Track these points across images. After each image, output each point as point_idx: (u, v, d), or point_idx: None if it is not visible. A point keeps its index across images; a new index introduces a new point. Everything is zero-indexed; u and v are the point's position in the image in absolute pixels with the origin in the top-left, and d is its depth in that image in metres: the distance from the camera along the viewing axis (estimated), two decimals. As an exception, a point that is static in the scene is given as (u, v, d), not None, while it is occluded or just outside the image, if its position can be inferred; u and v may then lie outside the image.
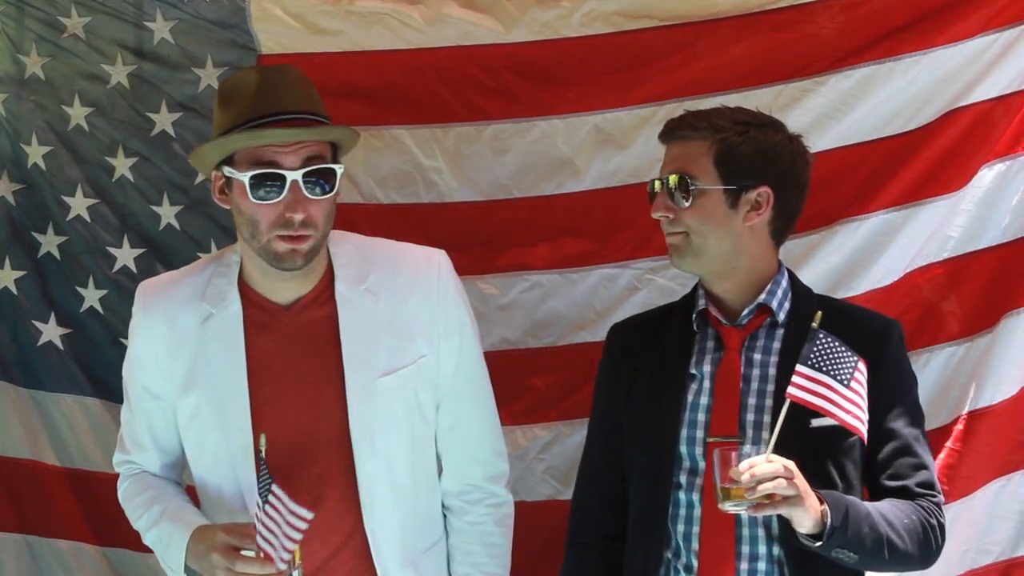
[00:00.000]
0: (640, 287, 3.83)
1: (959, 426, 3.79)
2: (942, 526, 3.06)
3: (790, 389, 2.85)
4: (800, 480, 2.80)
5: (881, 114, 3.81)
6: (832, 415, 2.86)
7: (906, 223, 3.79)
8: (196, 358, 3.06)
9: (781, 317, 3.09)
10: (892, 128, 3.81)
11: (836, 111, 3.80)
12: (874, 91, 3.79)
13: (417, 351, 3.08)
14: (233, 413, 3.01)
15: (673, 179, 3.07)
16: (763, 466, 2.77)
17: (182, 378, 3.08)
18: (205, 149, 3.00)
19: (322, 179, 2.94)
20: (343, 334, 3.02)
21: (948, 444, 3.78)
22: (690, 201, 3.04)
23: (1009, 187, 3.80)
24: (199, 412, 3.07)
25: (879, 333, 3.08)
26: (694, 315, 3.12)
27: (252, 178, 2.91)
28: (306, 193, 2.91)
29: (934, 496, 3.07)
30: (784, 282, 3.13)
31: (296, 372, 3.03)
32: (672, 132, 3.13)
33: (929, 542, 3.03)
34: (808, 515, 2.81)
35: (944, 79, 3.79)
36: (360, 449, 3.02)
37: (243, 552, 2.86)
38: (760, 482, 2.75)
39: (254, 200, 2.91)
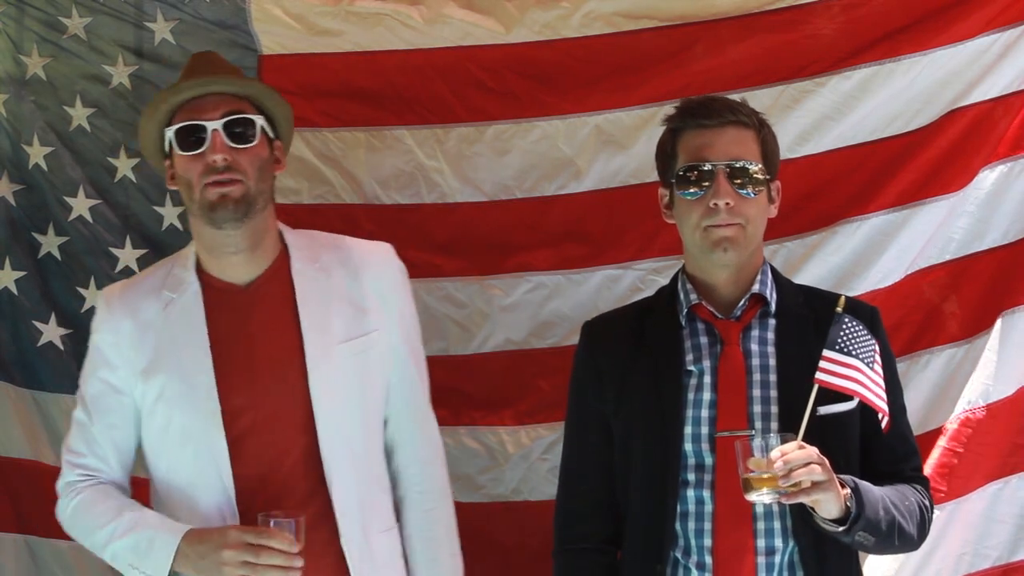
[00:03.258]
0: (643, 288, 3.81)
1: (955, 426, 3.79)
2: (932, 507, 3.09)
3: (818, 375, 2.85)
4: (827, 465, 2.79)
5: (881, 115, 3.82)
6: (862, 397, 2.88)
7: (906, 223, 3.80)
8: (160, 342, 3.16)
9: (772, 306, 3.07)
10: (893, 129, 3.82)
11: (837, 112, 3.81)
12: (874, 92, 3.80)
13: (370, 325, 3.20)
14: (199, 384, 3.11)
15: (741, 166, 3.00)
16: (796, 453, 2.75)
17: (146, 364, 3.16)
18: (141, 124, 3.22)
19: (241, 128, 3.13)
20: (300, 305, 3.16)
21: (945, 444, 3.78)
22: (756, 191, 3.01)
23: (1011, 189, 3.81)
24: (163, 393, 3.14)
25: (868, 318, 3.06)
26: (683, 311, 3.09)
27: (177, 131, 3.13)
28: (227, 141, 3.10)
29: (924, 479, 3.11)
30: (769, 271, 3.12)
31: (257, 344, 3.14)
32: (720, 115, 3.04)
33: (925, 523, 3.05)
34: (835, 500, 2.81)
35: (944, 80, 3.80)
36: (321, 412, 3.11)
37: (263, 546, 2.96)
38: (793, 469, 2.74)
39: (181, 153, 3.12)
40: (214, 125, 3.09)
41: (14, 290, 4.08)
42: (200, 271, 3.21)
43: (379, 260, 3.29)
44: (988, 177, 3.81)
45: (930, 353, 3.81)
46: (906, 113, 3.81)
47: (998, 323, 3.79)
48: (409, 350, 3.27)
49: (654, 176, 3.57)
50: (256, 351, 3.13)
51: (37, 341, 4.08)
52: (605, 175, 3.90)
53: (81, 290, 4.05)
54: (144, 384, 3.16)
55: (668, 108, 3.73)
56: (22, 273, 4.08)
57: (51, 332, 4.08)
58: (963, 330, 3.82)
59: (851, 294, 3.67)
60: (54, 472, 4.03)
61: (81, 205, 4.03)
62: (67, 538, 4.02)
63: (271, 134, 3.20)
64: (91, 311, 4.00)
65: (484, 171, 3.93)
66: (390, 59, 3.95)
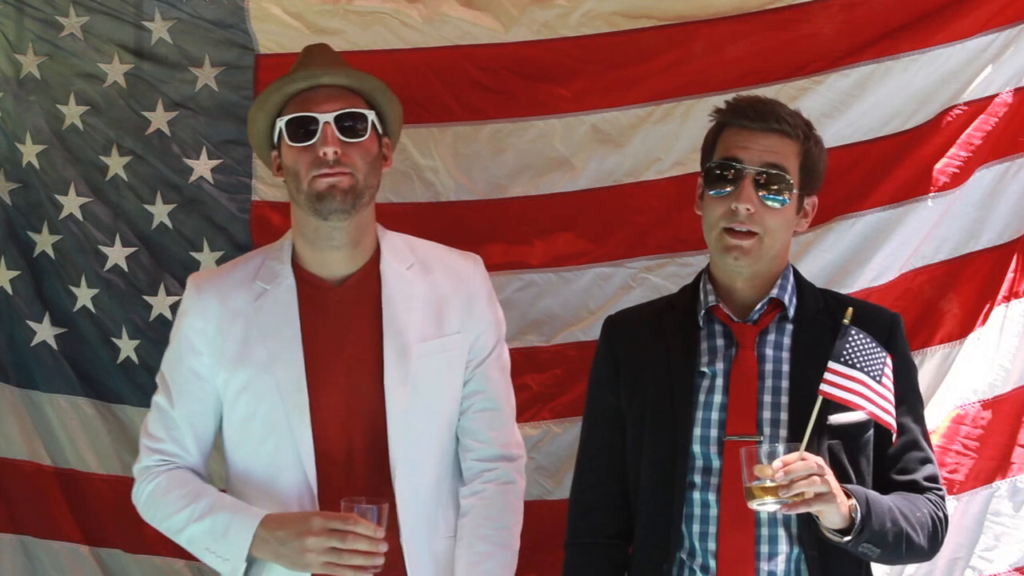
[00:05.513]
0: (634, 286, 3.81)
1: (948, 424, 3.77)
2: (947, 518, 3.06)
3: (822, 386, 2.85)
4: (831, 476, 2.79)
5: (879, 113, 3.80)
6: (865, 410, 2.87)
7: (902, 221, 3.78)
8: (250, 333, 3.18)
9: (791, 312, 3.06)
10: (890, 127, 3.80)
11: (834, 110, 3.80)
12: (872, 90, 3.78)
13: (452, 327, 3.21)
14: (289, 378, 3.13)
15: (771, 174, 2.98)
16: (797, 464, 2.75)
17: (234, 353, 3.18)
18: (251, 113, 3.23)
19: (352, 122, 3.14)
20: (385, 303, 3.17)
21: (938, 444, 3.74)
22: (783, 202, 2.99)
23: (1007, 189, 3.80)
24: (249, 385, 3.16)
25: (888, 325, 3.06)
26: (701, 312, 3.08)
27: (288, 122, 3.15)
28: (338, 134, 3.12)
29: (939, 489, 3.07)
30: (791, 276, 3.10)
31: (344, 342, 3.16)
32: (763, 119, 3.01)
33: (937, 534, 3.02)
34: (838, 511, 2.80)
35: (942, 78, 3.78)
36: (392, 410, 3.11)
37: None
38: (794, 480, 2.73)
39: (292, 144, 3.14)
40: (326, 118, 3.11)
41: (9, 290, 4.08)
42: (295, 265, 3.22)
43: (464, 271, 3.28)
44: (985, 176, 3.79)
45: (922, 354, 3.79)
46: (904, 111, 3.80)
47: (994, 323, 3.78)
48: (491, 357, 3.27)
49: (648, 175, 3.59)
50: (343, 348, 3.15)
51: (31, 341, 4.07)
52: (600, 173, 3.88)
53: (73, 289, 4.04)
54: (228, 374, 3.18)
55: (665, 107, 3.83)
56: (16, 272, 4.07)
57: (45, 332, 4.07)
58: (957, 330, 3.81)
59: (845, 291, 3.67)
60: (49, 472, 4.07)
61: (72, 203, 4.02)
62: (60, 539, 4.06)
63: (381, 130, 3.23)
64: (83, 310, 4.02)
65: (479, 170, 3.92)
66: (388, 58, 3.93)
